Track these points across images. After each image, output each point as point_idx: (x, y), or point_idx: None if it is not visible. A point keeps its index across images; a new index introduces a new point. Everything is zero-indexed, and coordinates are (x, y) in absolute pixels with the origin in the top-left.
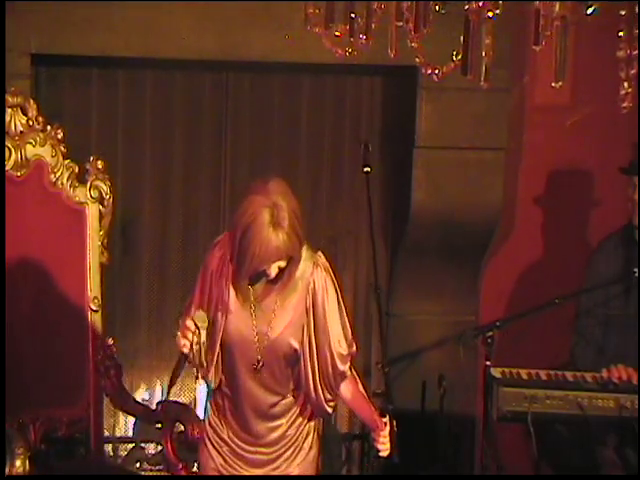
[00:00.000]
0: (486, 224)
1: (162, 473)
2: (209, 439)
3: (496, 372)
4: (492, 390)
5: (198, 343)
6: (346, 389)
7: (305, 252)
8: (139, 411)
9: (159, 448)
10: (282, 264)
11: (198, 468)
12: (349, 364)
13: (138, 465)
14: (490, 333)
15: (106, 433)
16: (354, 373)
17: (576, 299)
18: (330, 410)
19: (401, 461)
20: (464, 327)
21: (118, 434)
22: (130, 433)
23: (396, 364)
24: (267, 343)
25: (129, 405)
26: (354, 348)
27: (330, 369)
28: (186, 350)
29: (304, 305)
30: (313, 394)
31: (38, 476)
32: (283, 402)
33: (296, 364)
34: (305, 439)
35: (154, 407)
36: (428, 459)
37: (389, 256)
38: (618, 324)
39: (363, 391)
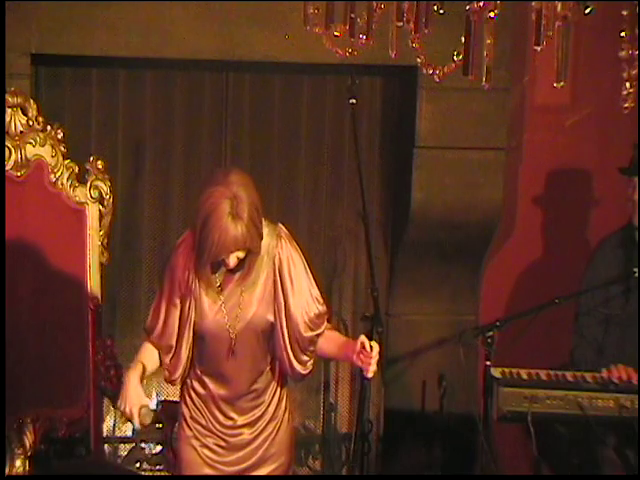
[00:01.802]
0: (486, 224)
1: (162, 473)
2: (189, 429)
3: (496, 372)
4: (492, 390)
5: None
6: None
7: (266, 227)
8: None
9: (159, 448)
10: (241, 255)
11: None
12: (325, 323)
13: (138, 465)
14: (490, 333)
15: (106, 433)
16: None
17: (576, 299)
18: (305, 372)
19: (401, 461)
20: (464, 327)
21: (118, 434)
22: (130, 433)
23: (396, 364)
24: (242, 324)
25: None
26: (325, 307)
27: (303, 332)
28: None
29: (272, 279)
30: (287, 359)
31: (38, 476)
32: (262, 378)
33: (272, 337)
34: (284, 414)
35: (154, 407)
36: (428, 459)
37: (389, 256)
38: (618, 324)
39: (336, 334)
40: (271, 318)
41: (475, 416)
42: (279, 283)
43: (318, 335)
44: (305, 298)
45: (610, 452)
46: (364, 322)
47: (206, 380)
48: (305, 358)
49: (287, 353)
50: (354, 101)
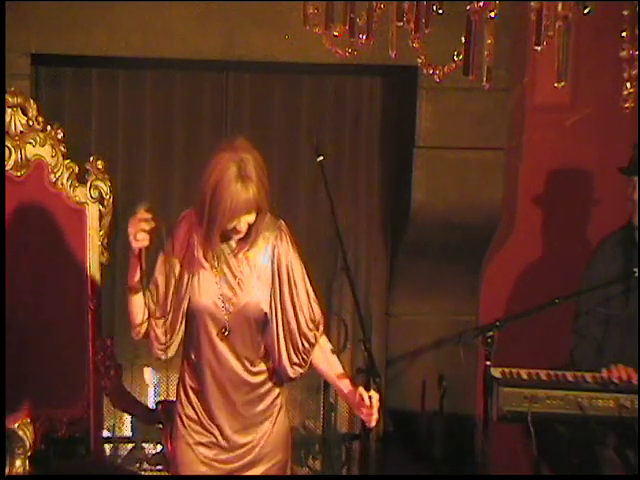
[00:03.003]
0: (486, 224)
1: (162, 473)
2: (184, 427)
3: (496, 372)
4: (492, 390)
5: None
6: (328, 368)
7: (268, 218)
8: (139, 411)
9: (159, 448)
10: (251, 219)
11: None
12: (319, 331)
13: (138, 465)
14: (490, 333)
15: (106, 433)
16: (328, 345)
17: (576, 299)
18: (293, 375)
19: (401, 461)
20: (464, 327)
21: (118, 434)
22: (130, 433)
23: (396, 364)
24: (236, 309)
25: (129, 405)
26: (320, 313)
27: (297, 332)
28: (146, 243)
29: (270, 269)
30: (278, 356)
31: (38, 476)
32: (260, 372)
33: (265, 329)
34: (279, 411)
35: (154, 407)
36: (428, 459)
37: (389, 256)
38: (618, 324)
39: (338, 365)
40: (265, 308)
41: (475, 416)
42: (276, 274)
43: (312, 341)
44: (302, 296)
45: (610, 452)
46: (359, 375)
47: (199, 370)
48: (295, 359)
49: (279, 347)
50: (321, 158)
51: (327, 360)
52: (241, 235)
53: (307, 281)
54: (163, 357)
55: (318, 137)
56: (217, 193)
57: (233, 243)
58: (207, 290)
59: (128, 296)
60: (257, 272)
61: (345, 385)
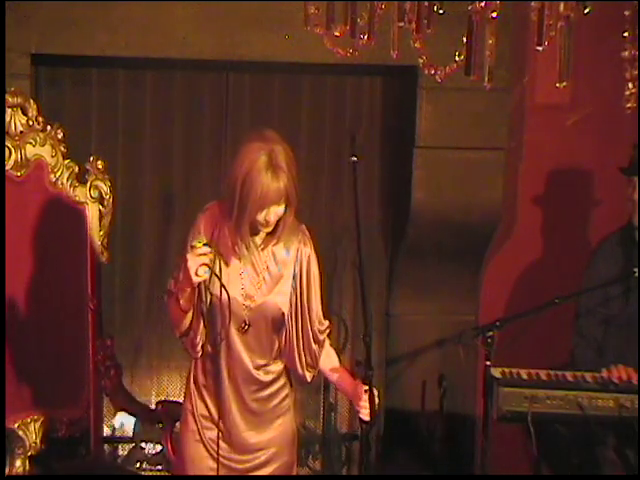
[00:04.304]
0: (486, 224)
1: (162, 473)
2: (195, 423)
3: (496, 372)
4: (492, 390)
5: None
6: (327, 362)
7: (292, 220)
8: (139, 411)
9: (159, 448)
10: (280, 211)
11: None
12: (326, 334)
13: (138, 465)
14: (490, 333)
15: (106, 433)
16: (326, 344)
17: (576, 299)
18: (309, 377)
19: (401, 461)
20: (464, 327)
21: (118, 434)
22: (130, 433)
23: (396, 364)
24: (255, 305)
25: (129, 405)
26: (327, 322)
27: (310, 335)
28: (207, 276)
29: (292, 270)
30: (293, 358)
31: (38, 476)
32: (271, 371)
33: (281, 329)
34: (287, 412)
35: (154, 407)
36: (428, 459)
37: (389, 256)
38: (618, 324)
39: (336, 358)
40: (284, 308)
41: (475, 416)
42: (298, 277)
43: (322, 343)
44: (317, 300)
45: (610, 452)
46: (358, 366)
47: (212, 364)
48: (310, 361)
49: (295, 349)
50: (355, 159)
51: (327, 354)
52: (269, 229)
53: (318, 291)
54: (200, 354)
55: (356, 138)
56: (247, 182)
57: (259, 239)
58: (230, 284)
59: (175, 310)
60: (280, 270)
61: (344, 377)
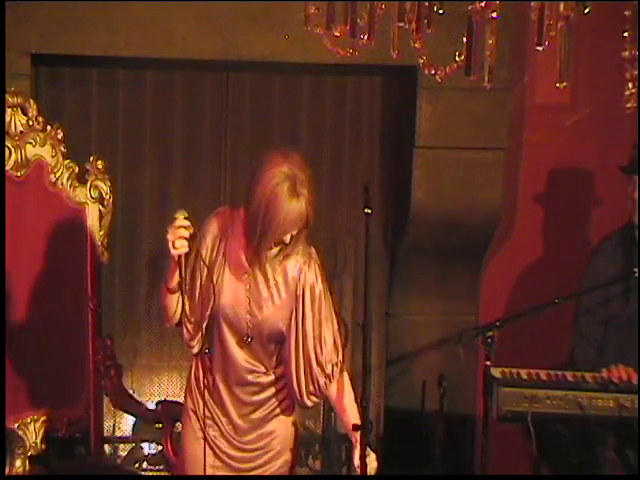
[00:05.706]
0: (486, 224)
1: (162, 473)
2: (197, 421)
3: (496, 372)
4: (492, 390)
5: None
6: (334, 392)
7: (303, 240)
8: (139, 411)
9: (159, 448)
10: (295, 232)
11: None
12: (338, 369)
13: (138, 465)
14: (490, 333)
15: (106, 433)
16: (345, 379)
17: (576, 299)
18: (309, 404)
19: (401, 461)
20: (464, 327)
21: (118, 434)
22: (130, 433)
23: (396, 364)
24: (255, 321)
25: (129, 405)
26: (341, 356)
27: (315, 363)
28: (185, 250)
29: (295, 290)
30: (292, 382)
31: (38, 476)
32: (269, 376)
33: (280, 342)
34: (287, 411)
35: (154, 407)
36: (428, 459)
37: (389, 256)
38: (618, 324)
39: (352, 398)
40: (282, 327)
41: (475, 416)
42: (301, 298)
43: (330, 376)
44: (325, 334)
45: (610, 452)
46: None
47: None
48: (311, 388)
49: (296, 375)
50: (369, 211)
51: (341, 389)
52: (282, 246)
53: (333, 317)
54: (195, 350)
55: (370, 189)
56: (271, 209)
57: (270, 255)
58: (234, 295)
59: (163, 292)
60: (285, 287)
61: (348, 423)
